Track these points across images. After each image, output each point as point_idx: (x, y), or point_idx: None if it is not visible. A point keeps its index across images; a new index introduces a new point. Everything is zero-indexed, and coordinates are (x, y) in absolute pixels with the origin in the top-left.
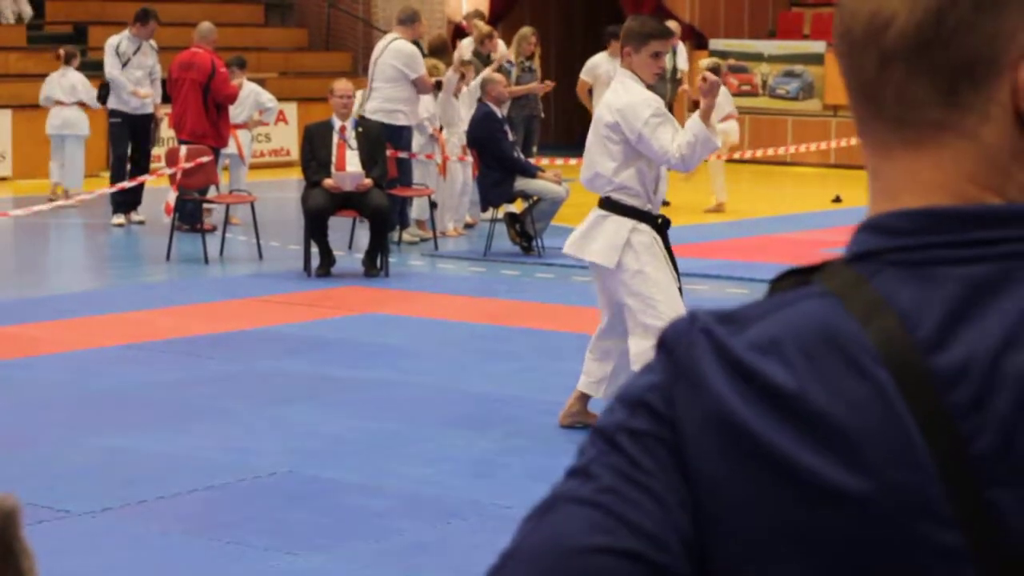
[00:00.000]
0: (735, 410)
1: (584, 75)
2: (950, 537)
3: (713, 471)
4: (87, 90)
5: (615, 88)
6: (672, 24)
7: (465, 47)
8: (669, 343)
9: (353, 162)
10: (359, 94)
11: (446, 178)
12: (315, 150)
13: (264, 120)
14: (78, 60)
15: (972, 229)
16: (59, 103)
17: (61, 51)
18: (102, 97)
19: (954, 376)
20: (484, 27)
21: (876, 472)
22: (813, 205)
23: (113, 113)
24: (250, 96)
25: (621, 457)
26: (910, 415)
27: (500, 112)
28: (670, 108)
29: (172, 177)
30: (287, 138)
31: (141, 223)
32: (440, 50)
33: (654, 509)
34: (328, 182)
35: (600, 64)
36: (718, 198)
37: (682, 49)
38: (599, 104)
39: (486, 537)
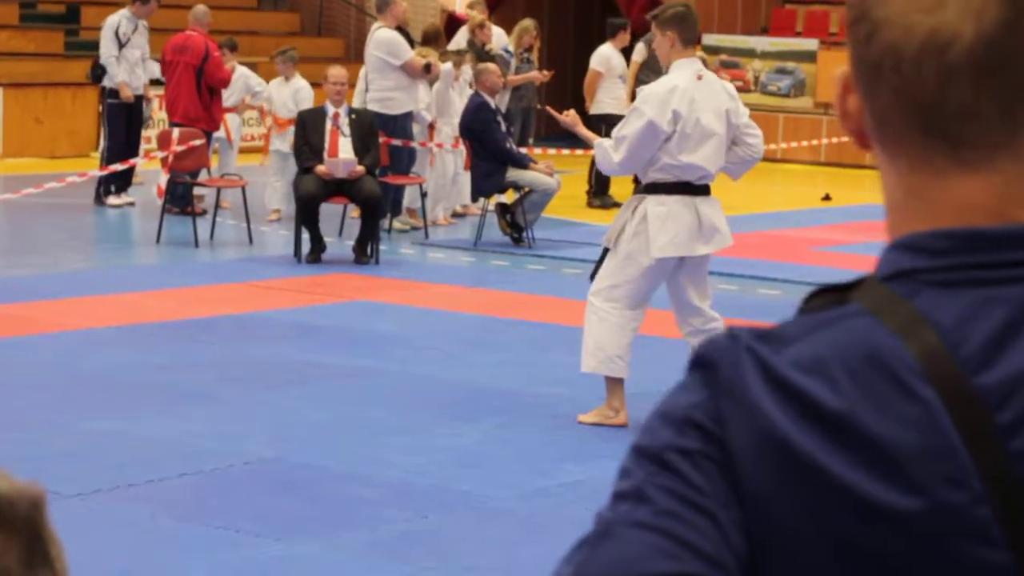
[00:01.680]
0: (783, 429)
1: (598, 65)
2: (998, 556)
3: (763, 490)
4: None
5: (722, 82)
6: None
7: (461, 37)
8: (711, 361)
9: (346, 149)
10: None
11: (433, 167)
12: (308, 136)
13: (253, 104)
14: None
15: (1013, 249)
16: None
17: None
18: (97, 76)
19: (1001, 396)
20: (477, 16)
21: (925, 491)
22: (803, 203)
23: (112, 93)
24: (240, 80)
25: (674, 478)
26: (957, 434)
27: (493, 102)
28: None
29: (164, 160)
30: None
31: (131, 204)
32: (433, 39)
33: (712, 530)
34: (320, 168)
35: (612, 56)
36: None
37: None
38: (711, 102)
39: (475, 527)
